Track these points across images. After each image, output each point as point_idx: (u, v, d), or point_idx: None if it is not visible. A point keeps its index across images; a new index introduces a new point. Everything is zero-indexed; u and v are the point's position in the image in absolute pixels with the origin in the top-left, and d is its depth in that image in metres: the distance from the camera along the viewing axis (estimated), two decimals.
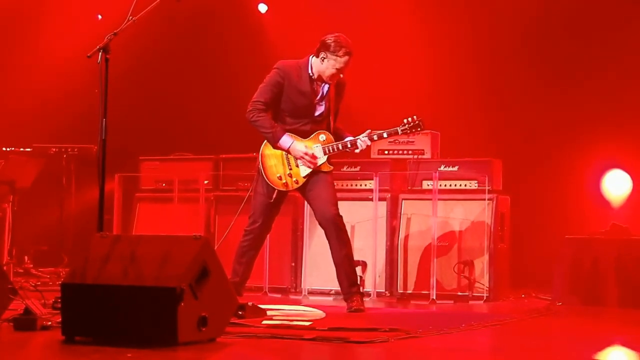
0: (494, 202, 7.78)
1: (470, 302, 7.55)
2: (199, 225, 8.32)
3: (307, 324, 5.50)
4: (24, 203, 8.70)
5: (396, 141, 8.18)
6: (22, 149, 8.85)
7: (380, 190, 7.96)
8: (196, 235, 4.77)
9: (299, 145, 6.60)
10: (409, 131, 6.67)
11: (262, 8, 10.36)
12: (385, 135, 6.67)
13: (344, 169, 8.23)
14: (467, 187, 7.95)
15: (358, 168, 8.24)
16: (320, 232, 7.68)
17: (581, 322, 6.71)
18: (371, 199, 7.97)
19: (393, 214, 8.05)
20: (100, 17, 10.48)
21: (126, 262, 4.71)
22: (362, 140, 6.61)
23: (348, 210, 8.08)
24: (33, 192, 8.80)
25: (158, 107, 10.36)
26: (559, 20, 9.02)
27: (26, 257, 8.85)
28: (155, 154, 9.07)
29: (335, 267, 6.66)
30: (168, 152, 9.09)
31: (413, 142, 8.13)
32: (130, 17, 5.76)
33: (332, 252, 6.64)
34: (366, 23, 9.50)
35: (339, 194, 8.01)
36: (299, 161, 6.62)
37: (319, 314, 6.19)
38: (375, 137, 6.66)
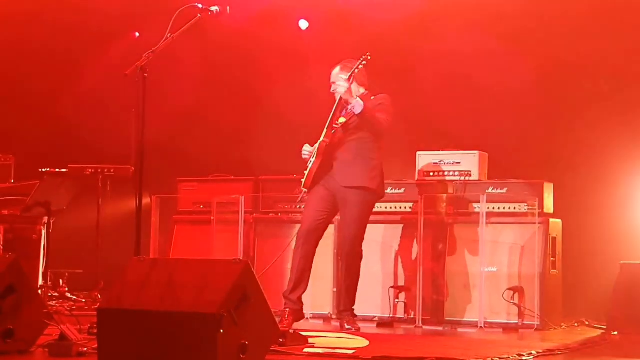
0: (545, 226, 7.54)
1: (521, 331, 7.34)
2: (238, 249, 8.15)
3: (350, 352, 5.42)
4: (59, 225, 8.62)
5: (442, 162, 7.96)
6: (57, 170, 8.75)
7: (425, 213, 7.70)
8: (236, 259, 4.70)
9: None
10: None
11: (303, 25, 10.19)
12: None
13: (388, 190, 8.02)
14: (517, 210, 7.70)
15: (403, 190, 8.02)
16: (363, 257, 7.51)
17: (639, 353, 6.42)
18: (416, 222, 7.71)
19: (439, 238, 7.80)
20: (137, 34, 10.40)
21: (163, 287, 4.63)
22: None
23: (392, 234, 7.95)
24: (68, 214, 8.72)
25: (196, 127, 10.27)
26: (614, 39, 8.77)
27: (61, 281, 8.81)
28: (193, 175, 8.96)
29: None
30: (206, 173, 8.96)
31: (459, 162, 7.92)
32: (169, 35, 5.69)
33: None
34: (415, 39, 9.29)
35: (382, 217, 7.87)
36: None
37: (362, 341, 6.07)
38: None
